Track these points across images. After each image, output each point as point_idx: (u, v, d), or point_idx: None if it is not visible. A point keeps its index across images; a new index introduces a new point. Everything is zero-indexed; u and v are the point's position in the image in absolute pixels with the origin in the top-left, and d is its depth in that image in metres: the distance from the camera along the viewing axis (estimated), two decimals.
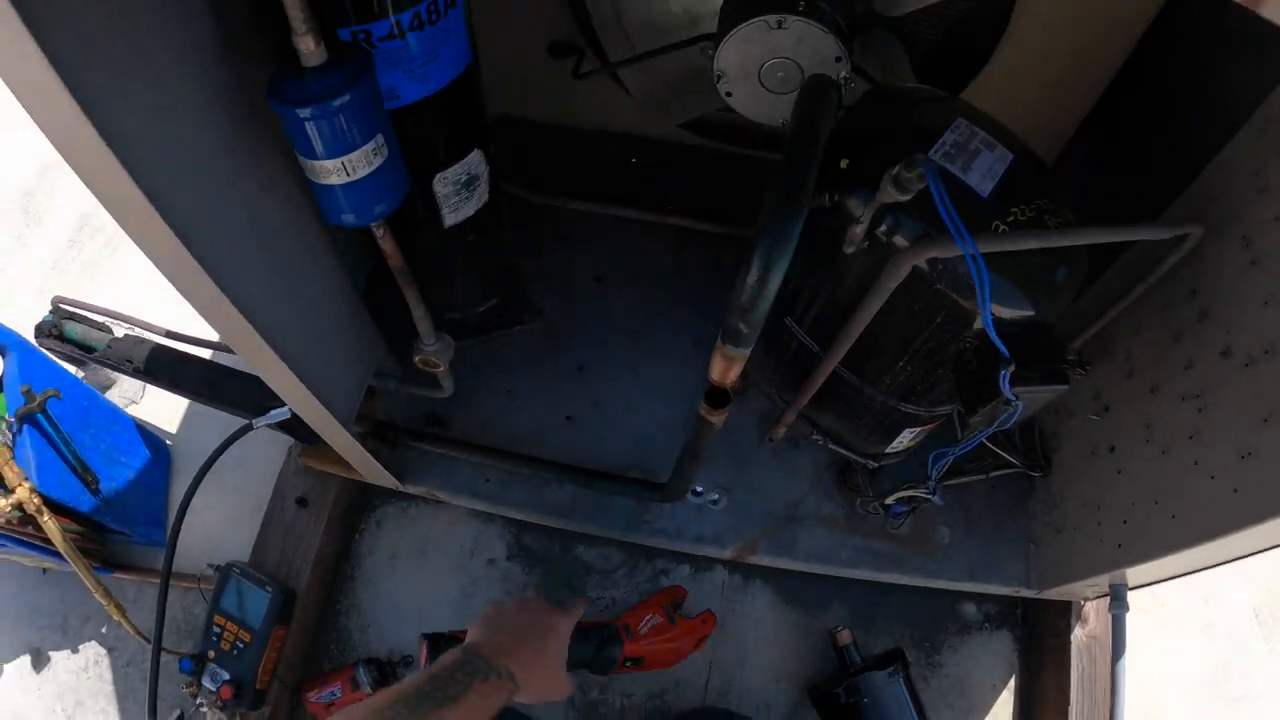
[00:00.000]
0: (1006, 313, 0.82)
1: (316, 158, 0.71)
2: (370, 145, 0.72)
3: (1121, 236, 0.89)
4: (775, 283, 0.59)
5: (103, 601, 1.24)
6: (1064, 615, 1.31)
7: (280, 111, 0.68)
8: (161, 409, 1.55)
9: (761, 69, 0.96)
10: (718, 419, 0.74)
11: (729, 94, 0.99)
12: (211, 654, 1.20)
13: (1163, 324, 1.02)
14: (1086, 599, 1.29)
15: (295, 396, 0.93)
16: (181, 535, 1.44)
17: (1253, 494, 0.82)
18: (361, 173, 0.73)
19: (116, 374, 1.53)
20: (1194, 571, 1.03)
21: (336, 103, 0.67)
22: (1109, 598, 1.14)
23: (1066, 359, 0.84)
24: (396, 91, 0.83)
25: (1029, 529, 1.25)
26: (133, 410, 1.54)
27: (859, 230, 0.77)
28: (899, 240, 0.81)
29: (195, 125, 0.66)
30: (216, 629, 1.20)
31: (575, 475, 1.09)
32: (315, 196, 0.77)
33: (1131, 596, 1.12)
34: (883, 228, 0.80)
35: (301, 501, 1.29)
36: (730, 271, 1.31)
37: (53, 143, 0.52)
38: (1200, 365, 0.94)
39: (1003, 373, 0.78)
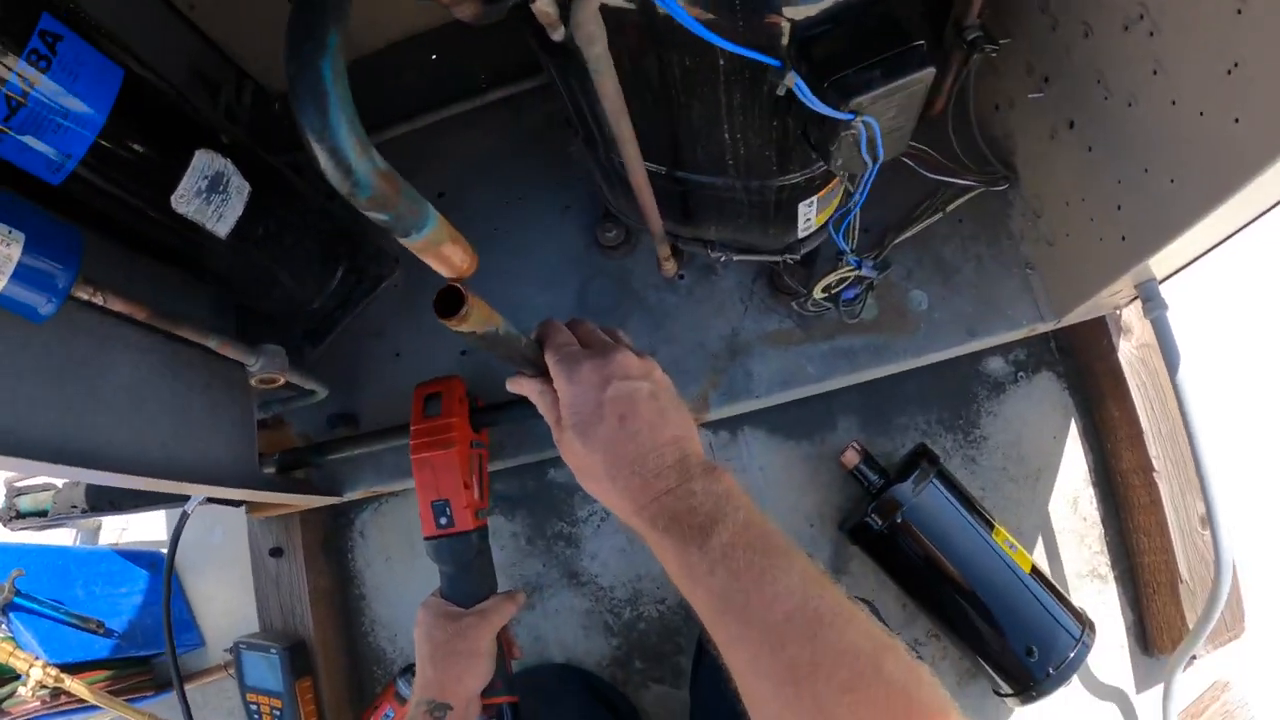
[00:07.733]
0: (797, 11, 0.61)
1: None
2: None
3: None
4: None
5: None
6: (1104, 333, 1.11)
7: None
8: (152, 524, 1.54)
9: None
10: (467, 326, 0.59)
11: None
12: None
13: None
14: (1120, 308, 1.08)
15: (178, 489, 0.86)
16: (202, 625, 1.45)
17: (1256, 113, 0.61)
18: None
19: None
20: (1227, 238, 0.82)
21: None
22: (1140, 300, 0.93)
23: (908, 33, 0.63)
24: (68, 150, 0.68)
25: (1019, 253, 1.04)
26: (127, 537, 1.54)
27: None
28: None
29: None
30: (254, 706, 1.21)
31: (487, 414, 0.99)
32: None
33: None
34: None
35: (276, 552, 1.27)
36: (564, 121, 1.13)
37: None
38: None
39: (797, 83, 0.59)
